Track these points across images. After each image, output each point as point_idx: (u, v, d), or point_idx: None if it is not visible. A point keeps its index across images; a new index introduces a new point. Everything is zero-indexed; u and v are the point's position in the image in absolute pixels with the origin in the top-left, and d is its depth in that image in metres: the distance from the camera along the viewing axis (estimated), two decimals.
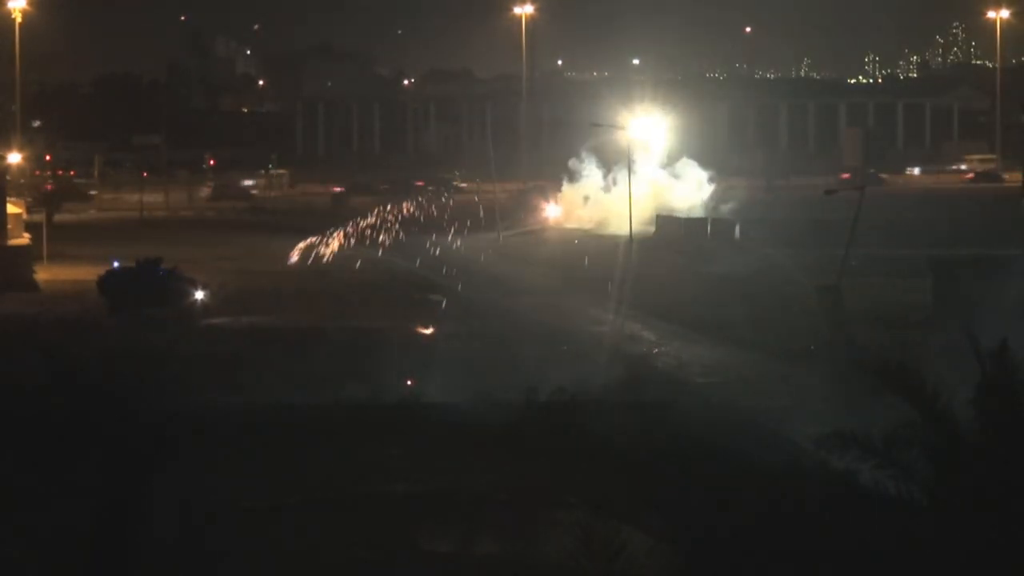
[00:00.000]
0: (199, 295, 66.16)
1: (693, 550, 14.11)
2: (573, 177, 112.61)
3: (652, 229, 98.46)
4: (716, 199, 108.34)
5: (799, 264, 72.18)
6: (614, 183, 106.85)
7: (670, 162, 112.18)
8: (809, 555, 13.77)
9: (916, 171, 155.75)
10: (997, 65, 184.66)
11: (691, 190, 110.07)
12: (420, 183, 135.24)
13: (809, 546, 13.77)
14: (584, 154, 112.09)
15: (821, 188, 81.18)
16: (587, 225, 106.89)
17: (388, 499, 29.63)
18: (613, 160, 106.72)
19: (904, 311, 60.87)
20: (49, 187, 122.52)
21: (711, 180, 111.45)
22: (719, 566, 14.01)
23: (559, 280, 77.35)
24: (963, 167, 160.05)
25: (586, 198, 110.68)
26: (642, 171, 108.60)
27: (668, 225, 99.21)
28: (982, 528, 13.71)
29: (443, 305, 67.72)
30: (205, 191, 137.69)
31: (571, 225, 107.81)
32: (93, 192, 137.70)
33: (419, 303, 68.95)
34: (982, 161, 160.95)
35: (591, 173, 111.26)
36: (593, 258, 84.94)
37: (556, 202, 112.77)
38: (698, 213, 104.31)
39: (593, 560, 14.04)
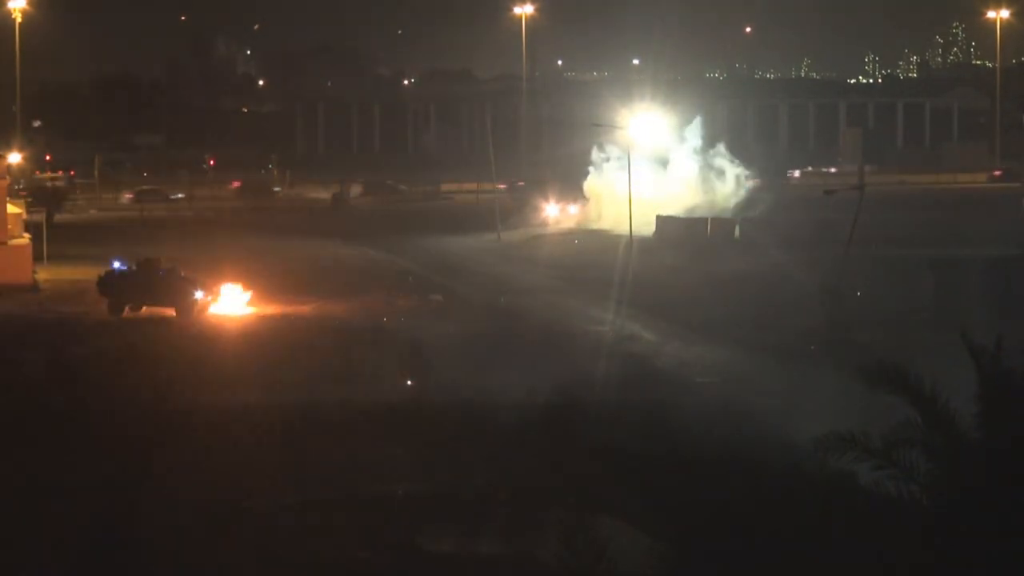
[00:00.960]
0: (198, 294, 66.12)
1: (691, 549, 14.11)
2: (598, 170, 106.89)
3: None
4: (747, 199, 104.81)
5: (799, 264, 72.14)
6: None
7: (702, 149, 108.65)
8: (808, 555, 13.77)
9: (796, 174, 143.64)
10: (997, 65, 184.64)
11: (731, 188, 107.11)
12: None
13: (808, 546, 13.78)
14: (606, 146, 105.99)
15: (820, 188, 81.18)
16: (606, 224, 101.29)
17: (388, 499, 29.63)
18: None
19: (904, 311, 60.86)
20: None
21: (748, 177, 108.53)
22: (717, 566, 14.02)
23: (561, 280, 77.39)
24: (832, 169, 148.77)
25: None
26: (676, 162, 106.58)
27: (668, 225, 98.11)
28: (982, 528, 13.71)
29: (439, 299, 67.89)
30: (357, 188, 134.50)
31: (595, 226, 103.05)
32: (277, 188, 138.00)
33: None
34: None
35: (619, 168, 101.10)
36: (593, 259, 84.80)
37: (583, 199, 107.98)
38: (734, 213, 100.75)
39: (579, 560, 14.06)
